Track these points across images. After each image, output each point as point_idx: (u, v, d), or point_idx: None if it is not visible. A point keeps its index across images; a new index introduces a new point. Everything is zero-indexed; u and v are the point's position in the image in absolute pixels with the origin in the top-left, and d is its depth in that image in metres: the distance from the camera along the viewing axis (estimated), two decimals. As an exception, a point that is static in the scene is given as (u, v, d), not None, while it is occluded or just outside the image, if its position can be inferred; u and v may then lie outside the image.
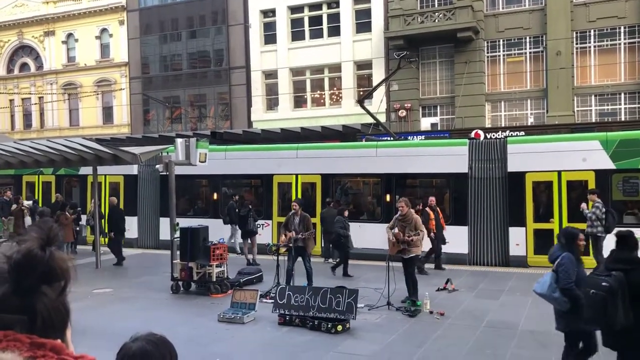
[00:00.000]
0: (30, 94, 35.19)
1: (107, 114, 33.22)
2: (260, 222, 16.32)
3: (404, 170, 15.69)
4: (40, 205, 19.16)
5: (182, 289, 11.80)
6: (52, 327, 1.03)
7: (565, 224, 13.95)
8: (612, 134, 14.00)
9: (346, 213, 14.46)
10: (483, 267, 14.36)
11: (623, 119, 22.22)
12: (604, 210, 12.30)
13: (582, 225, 13.13)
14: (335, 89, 27.27)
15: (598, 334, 5.79)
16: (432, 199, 14.02)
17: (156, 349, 2.43)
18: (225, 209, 16.29)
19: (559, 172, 14.10)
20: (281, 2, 27.46)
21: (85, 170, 18.09)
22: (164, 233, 17.20)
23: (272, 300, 9.69)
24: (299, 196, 16.47)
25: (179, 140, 13.20)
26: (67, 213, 16.19)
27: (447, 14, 23.82)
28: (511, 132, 21.49)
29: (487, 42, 24.32)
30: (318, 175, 16.62)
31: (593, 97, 23.13)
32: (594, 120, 22.56)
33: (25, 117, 36.08)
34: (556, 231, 14.07)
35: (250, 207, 15.53)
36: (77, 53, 33.75)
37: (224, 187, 18.36)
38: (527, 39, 23.88)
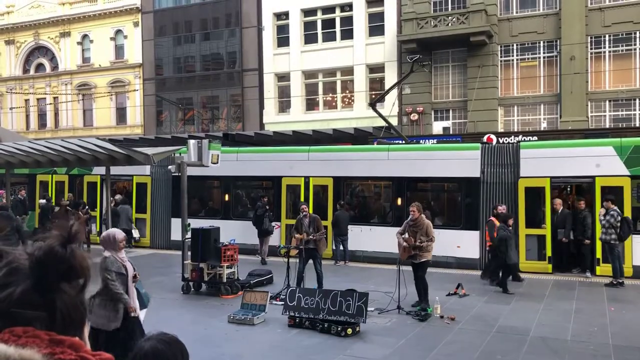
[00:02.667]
0: (45, 94, 35.55)
1: (121, 114, 33.47)
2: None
3: (416, 174, 15.63)
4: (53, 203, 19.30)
5: (192, 289, 11.85)
6: (71, 324, 1.04)
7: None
8: (627, 139, 13.87)
9: (510, 222, 12.39)
10: (494, 272, 14.26)
11: (638, 125, 21.99)
12: (619, 218, 12.19)
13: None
14: (347, 92, 27.28)
15: None
16: (503, 207, 13.16)
17: (168, 349, 2.45)
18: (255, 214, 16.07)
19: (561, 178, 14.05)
20: (294, 5, 27.53)
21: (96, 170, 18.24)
22: (176, 233, 17.28)
23: (282, 302, 9.70)
24: (310, 199, 16.48)
25: (192, 142, 13.28)
26: (80, 212, 16.32)
27: (460, 18, 23.75)
28: (524, 137, 21.37)
29: (501, 47, 24.20)
30: (330, 177, 16.62)
31: (607, 102, 22.94)
32: (608, 126, 22.38)
33: (40, 117, 36.45)
34: (548, 237, 13.90)
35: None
36: (92, 54, 34.07)
37: (235, 189, 18.41)
38: (541, 44, 23.74)
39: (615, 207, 12.36)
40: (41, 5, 35.52)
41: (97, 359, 1.04)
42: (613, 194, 12.89)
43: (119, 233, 6.43)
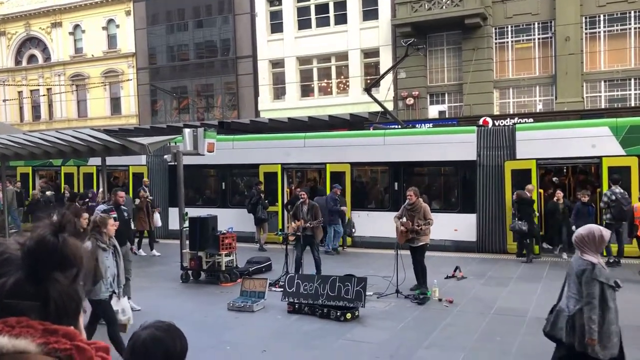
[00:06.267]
0: (38, 85, 35.35)
1: (115, 104, 33.32)
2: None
3: (412, 159, 15.62)
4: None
5: (191, 278, 11.88)
6: (65, 314, 1.04)
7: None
8: (622, 119, 13.86)
9: None
10: (491, 255, 14.34)
11: (633, 105, 22.02)
12: (613, 198, 12.23)
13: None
14: (342, 77, 27.18)
15: None
16: None
17: (167, 335, 2.45)
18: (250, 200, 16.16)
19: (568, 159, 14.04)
20: (287, -9, 27.33)
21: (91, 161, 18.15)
22: (173, 223, 17.28)
23: (282, 289, 9.74)
24: (305, 185, 16.48)
25: (187, 131, 13.21)
26: (77, 204, 16.27)
27: (454, 1, 23.62)
28: (520, 119, 21.36)
29: (495, 29, 24.10)
30: (348, 164, 16.55)
31: (602, 82, 22.92)
32: (603, 107, 22.38)
33: (33, 108, 36.27)
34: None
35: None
36: (84, 44, 33.82)
37: (232, 177, 18.39)
38: (536, 25, 23.65)
39: (613, 188, 12.38)
40: (31, -4, 35.20)
41: (93, 348, 1.03)
42: (619, 174, 12.86)
43: (605, 231, 4.96)
